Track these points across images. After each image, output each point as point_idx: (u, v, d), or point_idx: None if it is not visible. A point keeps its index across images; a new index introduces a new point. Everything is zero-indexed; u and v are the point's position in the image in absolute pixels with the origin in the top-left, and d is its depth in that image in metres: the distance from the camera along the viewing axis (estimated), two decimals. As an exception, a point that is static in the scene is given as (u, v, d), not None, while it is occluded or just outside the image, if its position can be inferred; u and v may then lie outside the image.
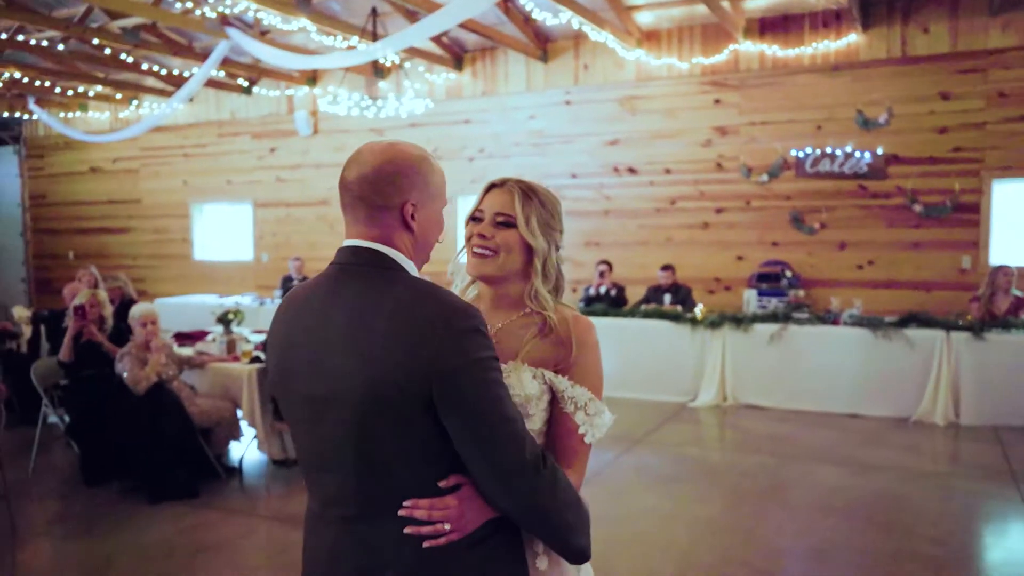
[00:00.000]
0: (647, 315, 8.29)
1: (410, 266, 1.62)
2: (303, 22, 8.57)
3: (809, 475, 5.72)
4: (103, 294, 6.09)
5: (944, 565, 4.17)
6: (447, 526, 1.47)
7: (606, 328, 8.32)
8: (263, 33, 10.36)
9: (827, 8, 8.98)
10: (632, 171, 10.39)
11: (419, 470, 1.48)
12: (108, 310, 6.03)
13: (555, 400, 1.73)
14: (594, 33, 9.07)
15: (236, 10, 8.49)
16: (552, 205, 1.87)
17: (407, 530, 1.47)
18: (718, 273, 9.98)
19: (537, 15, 8.53)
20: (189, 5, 8.45)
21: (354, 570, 1.53)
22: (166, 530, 4.78)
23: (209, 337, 6.80)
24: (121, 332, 6.08)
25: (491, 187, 1.86)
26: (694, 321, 7.98)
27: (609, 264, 9.44)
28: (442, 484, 1.48)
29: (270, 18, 8.68)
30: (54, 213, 15.45)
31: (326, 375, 1.52)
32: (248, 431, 5.99)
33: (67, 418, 5.88)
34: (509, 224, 1.80)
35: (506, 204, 1.80)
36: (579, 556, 1.63)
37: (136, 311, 5.55)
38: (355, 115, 9.03)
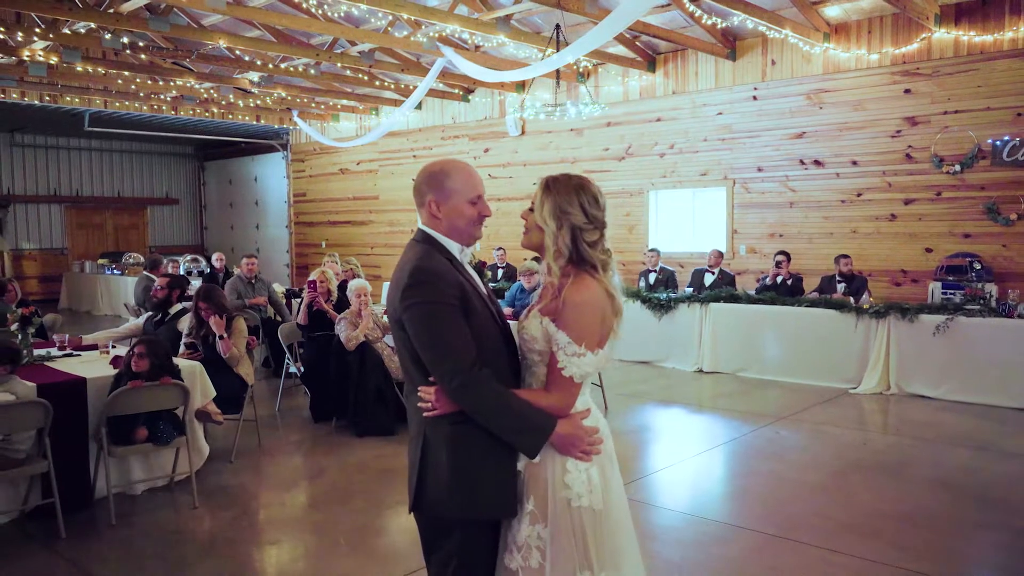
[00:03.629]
0: (813, 304, 8.53)
1: (447, 240, 2.40)
2: (501, 38, 9.78)
3: (939, 456, 5.90)
4: (330, 272, 7.65)
5: (1034, 538, 4.37)
6: (429, 405, 2.29)
7: (774, 316, 8.72)
8: (477, 48, 11.76)
9: (1026, -10, 8.61)
10: (818, 163, 10.51)
11: (418, 368, 2.32)
12: (334, 284, 7.57)
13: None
14: (771, 32, 9.40)
15: (446, 32, 9.88)
16: (568, 196, 2.30)
17: (418, 404, 2.34)
18: (905, 265, 9.86)
19: (707, 20, 9.04)
20: (407, 31, 9.94)
21: (413, 422, 2.44)
22: (365, 455, 6.12)
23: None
24: (346, 303, 7.57)
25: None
26: (859, 310, 8.13)
27: (787, 255, 9.70)
28: (431, 379, 2.30)
29: (474, 38, 9.97)
30: (311, 208, 18.17)
31: (388, 304, 2.49)
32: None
33: (302, 369, 7.48)
34: (533, 209, 2.37)
35: (535, 195, 2.37)
36: (525, 452, 2.25)
37: (351, 286, 6.99)
38: (541, 119, 10.07)
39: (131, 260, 16.55)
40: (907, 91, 9.75)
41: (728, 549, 4.28)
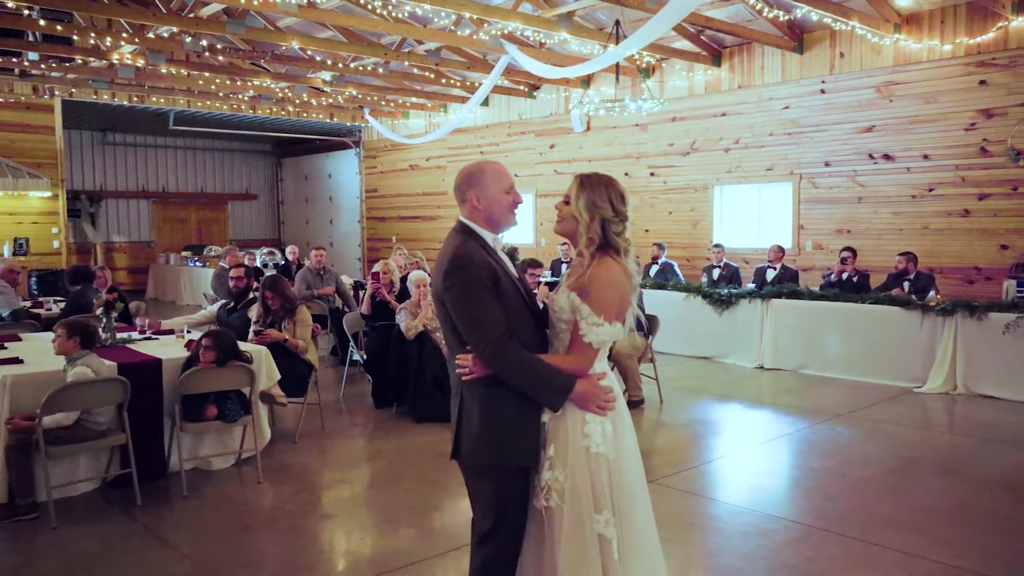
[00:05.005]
0: (877, 301, 8.37)
1: (482, 230, 2.69)
2: (563, 35, 9.89)
3: (1000, 456, 5.77)
4: (393, 264, 7.92)
5: (1090, 539, 4.27)
6: (467, 370, 2.58)
7: (837, 312, 8.62)
8: (541, 45, 11.89)
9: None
10: (888, 157, 10.27)
11: (457, 337, 2.61)
12: (396, 276, 7.83)
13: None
14: (838, 24, 9.25)
15: (508, 30, 10.05)
16: (600, 191, 2.64)
17: (457, 370, 2.62)
18: (978, 262, 9.57)
19: (769, 14, 8.95)
20: (472, 29, 10.15)
21: (453, 383, 2.72)
22: (421, 440, 6.34)
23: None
24: (409, 294, 7.83)
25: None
26: (925, 308, 7.95)
27: (852, 251, 9.53)
28: (468, 348, 2.58)
29: (538, 35, 10.10)
30: (382, 204, 18.63)
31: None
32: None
33: (365, 357, 7.77)
34: (568, 202, 2.72)
35: (569, 189, 2.70)
36: (549, 406, 2.58)
37: (411, 277, 7.24)
38: (601, 114, 10.13)
39: (212, 253, 17.30)
40: (982, 82, 9.45)
41: (769, 539, 4.32)
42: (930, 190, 9.93)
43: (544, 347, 2.68)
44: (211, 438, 5.58)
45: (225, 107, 15.35)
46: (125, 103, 14.61)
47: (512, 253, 2.85)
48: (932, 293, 8.51)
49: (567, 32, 9.74)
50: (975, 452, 5.92)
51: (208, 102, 15.02)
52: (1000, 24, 9.09)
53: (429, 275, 8.14)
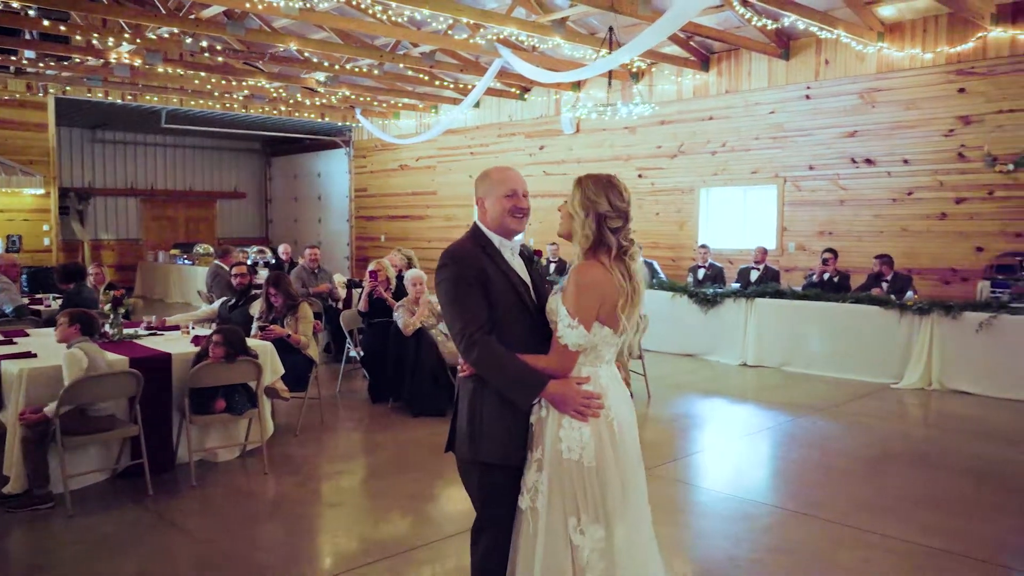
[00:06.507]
0: (857, 300, 8.67)
1: (489, 232, 2.80)
2: (557, 40, 10.13)
3: (969, 447, 6.07)
4: (387, 262, 8.13)
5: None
6: (462, 365, 2.75)
7: (818, 311, 8.92)
8: (534, 48, 12.11)
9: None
10: (869, 162, 10.58)
11: None
12: (392, 274, 8.04)
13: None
14: (824, 32, 9.54)
15: (504, 34, 10.27)
16: (596, 188, 2.66)
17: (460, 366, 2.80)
18: (955, 264, 9.89)
19: (757, 22, 9.22)
20: (467, 34, 10.36)
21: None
22: (419, 433, 6.56)
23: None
24: (404, 292, 8.04)
25: None
26: (903, 307, 8.25)
27: (834, 252, 9.83)
28: None
29: (531, 39, 10.33)
30: (372, 203, 18.80)
31: None
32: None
33: (362, 353, 7.97)
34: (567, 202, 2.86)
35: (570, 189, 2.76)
36: (517, 403, 2.64)
37: (408, 275, 7.45)
38: (593, 118, 10.38)
39: (201, 251, 17.41)
40: (961, 90, 9.77)
41: (753, 522, 4.57)
42: (909, 194, 10.25)
43: (543, 348, 2.68)
44: (217, 431, 5.76)
45: (218, 106, 15.49)
46: (119, 101, 14.71)
47: (531, 256, 2.89)
48: (910, 293, 8.82)
49: (561, 37, 9.99)
50: (948, 444, 6.21)
51: (202, 101, 15.14)
52: (979, 35, 9.41)
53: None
